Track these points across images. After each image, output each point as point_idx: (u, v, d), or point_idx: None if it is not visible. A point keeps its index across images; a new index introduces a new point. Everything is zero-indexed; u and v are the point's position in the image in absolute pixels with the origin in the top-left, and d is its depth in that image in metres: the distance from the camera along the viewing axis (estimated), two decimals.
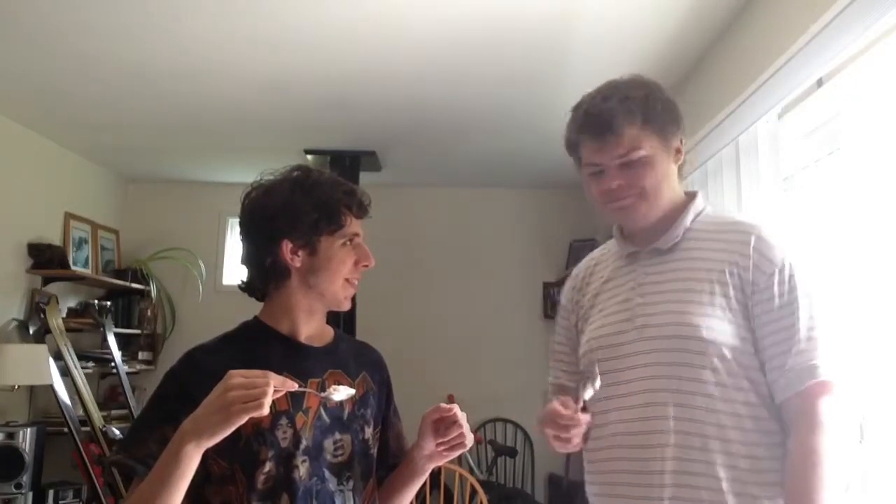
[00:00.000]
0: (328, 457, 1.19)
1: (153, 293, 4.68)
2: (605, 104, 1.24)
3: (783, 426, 1.18)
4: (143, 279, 4.62)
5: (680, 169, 1.32)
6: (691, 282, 1.23)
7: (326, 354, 1.27)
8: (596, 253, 1.48)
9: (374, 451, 1.29)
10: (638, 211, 1.27)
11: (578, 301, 1.44)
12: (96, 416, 3.74)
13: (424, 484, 3.15)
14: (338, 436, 1.21)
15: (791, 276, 1.18)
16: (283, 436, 1.15)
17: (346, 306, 1.25)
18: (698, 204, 1.32)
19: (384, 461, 1.33)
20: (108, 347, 4.03)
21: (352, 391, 1.13)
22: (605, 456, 1.27)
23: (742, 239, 1.23)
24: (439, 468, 3.32)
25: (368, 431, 1.27)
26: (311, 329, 1.26)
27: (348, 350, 1.33)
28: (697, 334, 1.18)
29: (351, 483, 1.20)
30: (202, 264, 4.80)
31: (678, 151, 1.29)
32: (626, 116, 1.22)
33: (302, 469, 1.15)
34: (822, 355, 1.15)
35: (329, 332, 1.32)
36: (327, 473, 1.18)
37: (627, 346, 1.26)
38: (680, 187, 1.33)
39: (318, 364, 1.24)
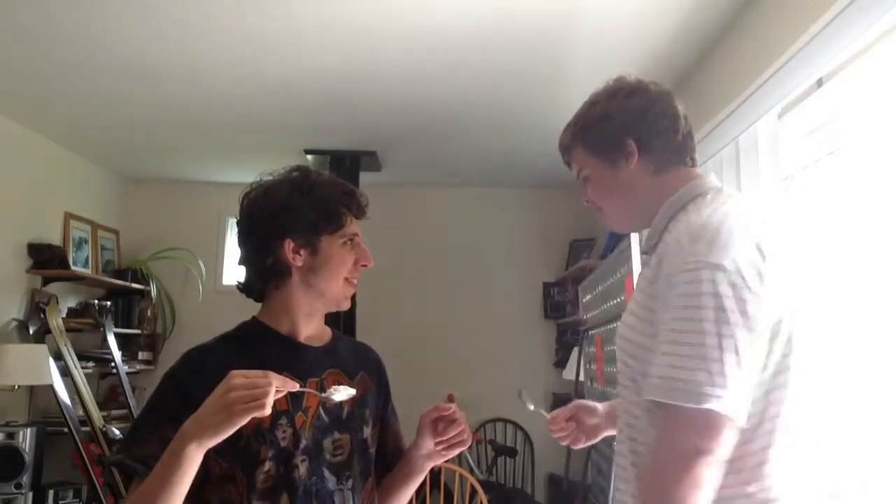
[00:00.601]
0: (327, 456, 1.19)
1: (153, 293, 4.68)
2: (565, 129, 1.34)
3: None
4: (143, 279, 4.62)
5: (666, 163, 1.22)
6: (638, 292, 1.17)
7: (325, 354, 1.27)
8: None
9: (373, 450, 1.29)
10: (607, 221, 1.32)
11: None
12: (96, 416, 3.74)
13: (424, 483, 3.16)
14: (337, 435, 1.21)
15: (679, 285, 1.01)
16: (283, 435, 1.15)
17: (346, 306, 1.26)
18: (672, 203, 1.19)
19: (382, 460, 1.34)
20: (108, 347, 4.03)
21: (352, 391, 1.13)
22: None
23: (665, 242, 1.12)
24: (439, 468, 3.31)
25: (367, 431, 1.27)
26: (311, 329, 1.27)
27: (347, 350, 1.33)
28: (622, 347, 1.17)
29: (350, 482, 1.21)
30: (202, 264, 4.80)
31: (629, 155, 1.22)
32: (570, 141, 1.31)
33: (301, 468, 1.15)
34: (675, 372, 0.97)
35: (328, 332, 1.32)
36: (327, 473, 1.18)
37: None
38: (670, 179, 1.22)
39: (317, 364, 1.24)
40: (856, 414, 1.65)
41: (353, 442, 1.23)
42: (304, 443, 1.16)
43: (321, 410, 1.20)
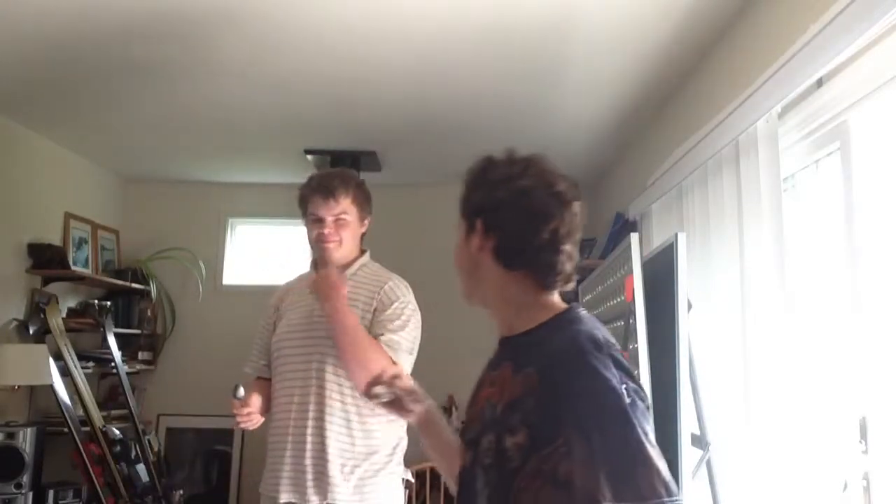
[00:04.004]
0: None
1: (153, 293, 4.68)
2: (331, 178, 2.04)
3: None
4: (143, 279, 4.62)
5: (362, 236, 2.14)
6: None
7: None
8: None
9: None
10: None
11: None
12: (96, 416, 3.74)
13: (424, 484, 3.13)
14: None
15: None
16: None
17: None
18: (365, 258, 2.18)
19: None
20: (108, 347, 4.03)
21: None
22: None
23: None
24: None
25: None
26: None
27: None
28: None
29: None
30: (202, 264, 4.80)
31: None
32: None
33: None
34: None
35: None
36: None
37: None
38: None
39: None
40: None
41: None
42: None
43: None
